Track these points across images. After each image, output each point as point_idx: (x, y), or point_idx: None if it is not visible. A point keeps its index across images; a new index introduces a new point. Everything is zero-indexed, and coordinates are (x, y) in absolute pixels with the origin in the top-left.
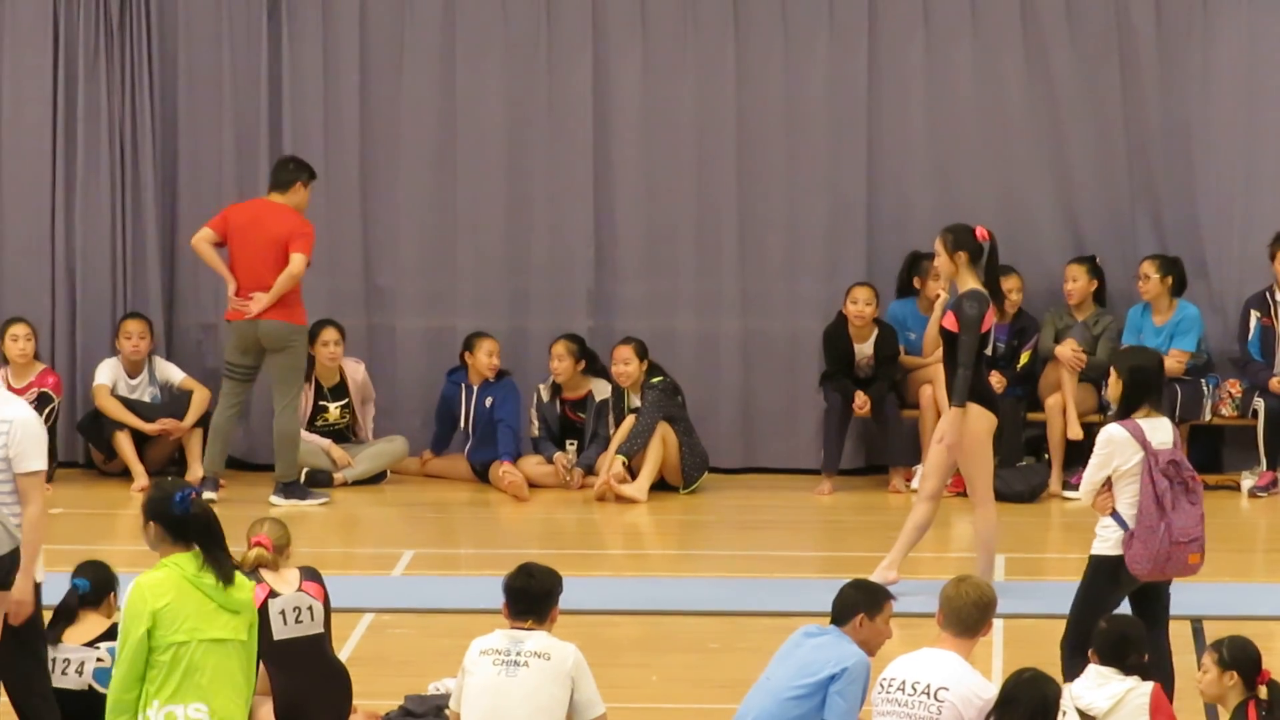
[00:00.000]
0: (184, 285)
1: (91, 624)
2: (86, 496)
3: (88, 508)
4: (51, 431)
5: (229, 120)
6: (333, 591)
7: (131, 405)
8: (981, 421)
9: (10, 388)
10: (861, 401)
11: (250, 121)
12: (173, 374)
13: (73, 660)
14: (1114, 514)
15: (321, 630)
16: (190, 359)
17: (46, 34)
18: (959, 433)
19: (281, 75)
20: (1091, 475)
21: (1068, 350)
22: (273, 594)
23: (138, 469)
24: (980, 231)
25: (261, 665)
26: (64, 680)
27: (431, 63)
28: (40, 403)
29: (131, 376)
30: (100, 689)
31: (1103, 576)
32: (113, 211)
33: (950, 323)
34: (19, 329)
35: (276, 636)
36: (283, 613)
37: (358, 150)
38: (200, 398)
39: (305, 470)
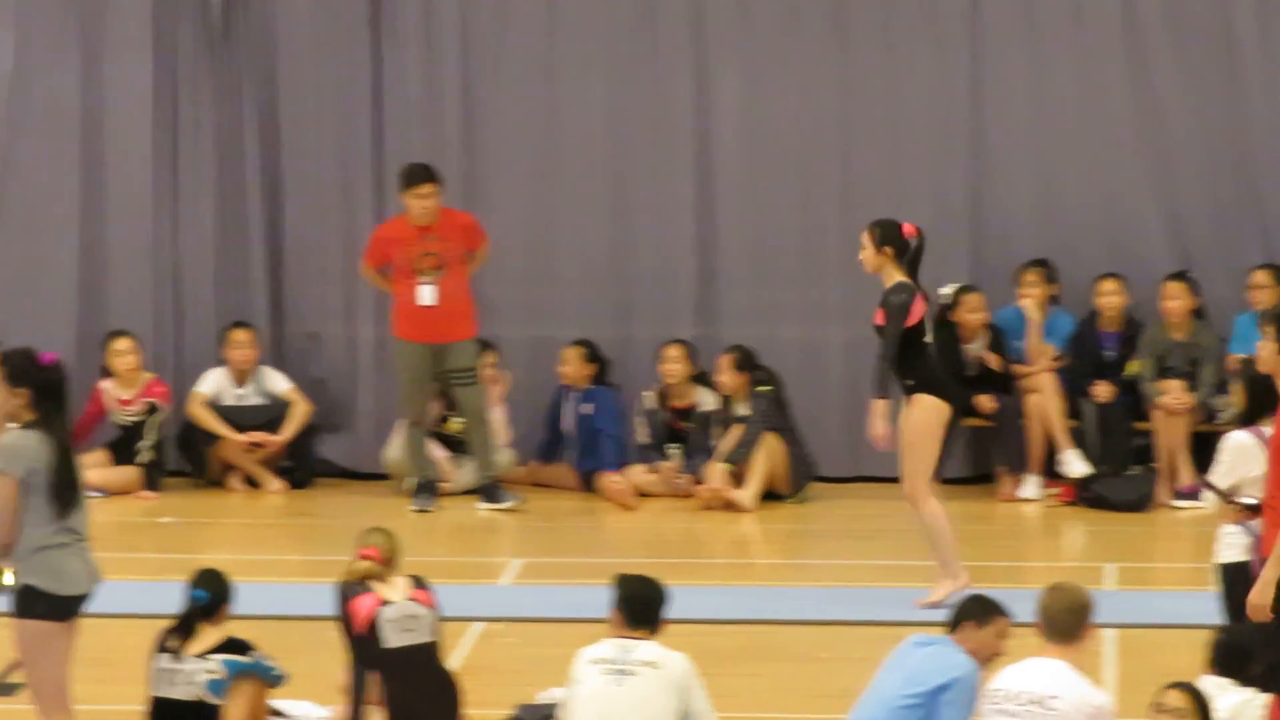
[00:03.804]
0: (290, 295)
1: (206, 636)
2: (194, 506)
3: (196, 517)
4: (161, 443)
5: (330, 129)
6: (442, 601)
7: (236, 414)
8: (931, 412)
9: (119, 400)
10: (988, 405)
11: (352, 131)
12: (278, 384)
13: (185, 671)
14: (1239, 521)
15: (432, 639)
16: (296, 369)
17: (147, 44)
18: (896, 423)
19: (382, 85)
20: (1220, 483)
21: (1170, 400)
22: (383, 603)
23: (263, 474)
24: (908, 228)
25: (372, 674)
26: (173, 690)
27: (533, 72)
28: (149, 413)
29: (239, 386)
30: (212, 700)
31: (1240, 583)
32: (216, 222)
33: (879, 317)
34: (123, 343)
35: (387, 646)
36: (393, 622)
37: (459, 160)
38: (301, 410)
39: (416, 480)
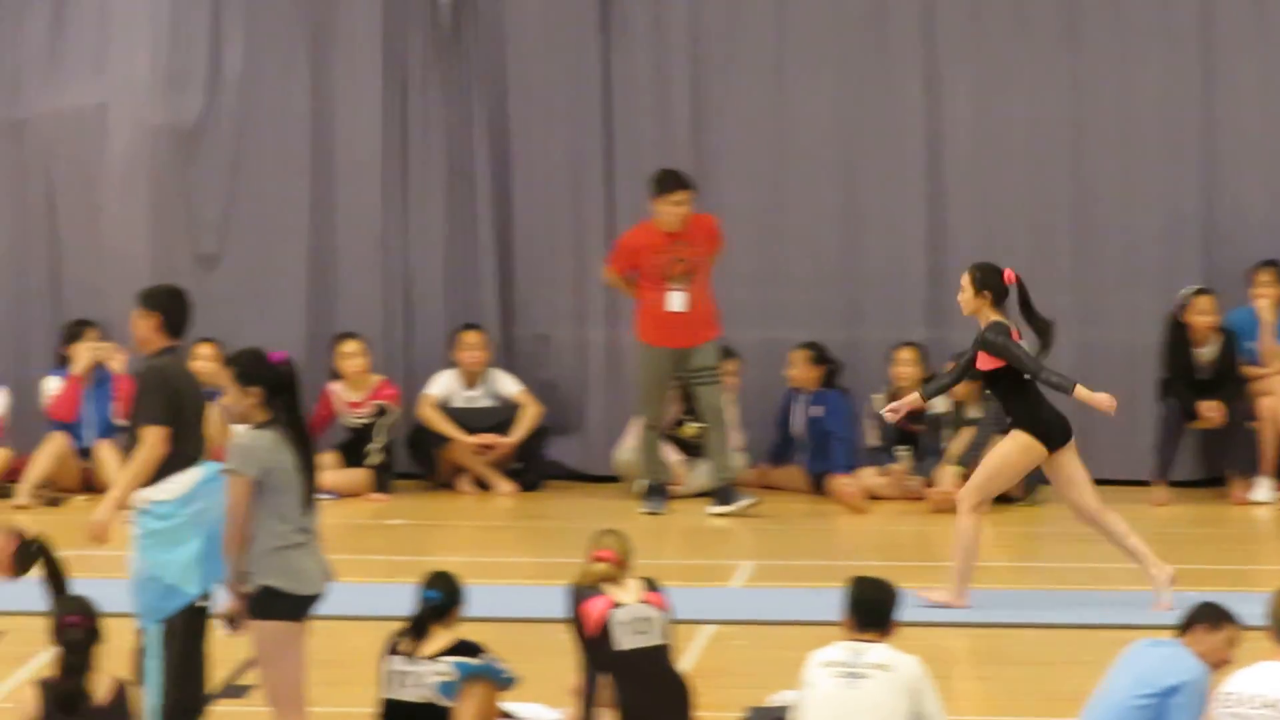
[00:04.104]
0: (520, 297)
1: (437, 638)
2: (424, 508)
3: (426, 519)
4: (391, 445)
5: (560, 131)
6: (673, 603)
7: (466, 416)
8: (1021, 449)
9: (349, 403)
10: (1211, 410)
11: (581, 132)
12: (507, 387)
13: (416, 673)
14: None
15: (664, 642)
16: (526, 371)
17: (376, 48)
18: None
19: (612, 86)
20: None
21: None
22: (615, 606)
23: (493, 477)
24: (1008, 274)
25: (604, 677)
26: (404, 693)
27: (762, 72)
28: (378, 415)
29: (469, 388)
30: (443, 702)
31: None
32: (446, 224)
33: (984, 362)
34: (352, 345)
35: (620, 648)
36: (625, 624)
37: (689, 161)
38: (532, 413)
39: (647, 482)
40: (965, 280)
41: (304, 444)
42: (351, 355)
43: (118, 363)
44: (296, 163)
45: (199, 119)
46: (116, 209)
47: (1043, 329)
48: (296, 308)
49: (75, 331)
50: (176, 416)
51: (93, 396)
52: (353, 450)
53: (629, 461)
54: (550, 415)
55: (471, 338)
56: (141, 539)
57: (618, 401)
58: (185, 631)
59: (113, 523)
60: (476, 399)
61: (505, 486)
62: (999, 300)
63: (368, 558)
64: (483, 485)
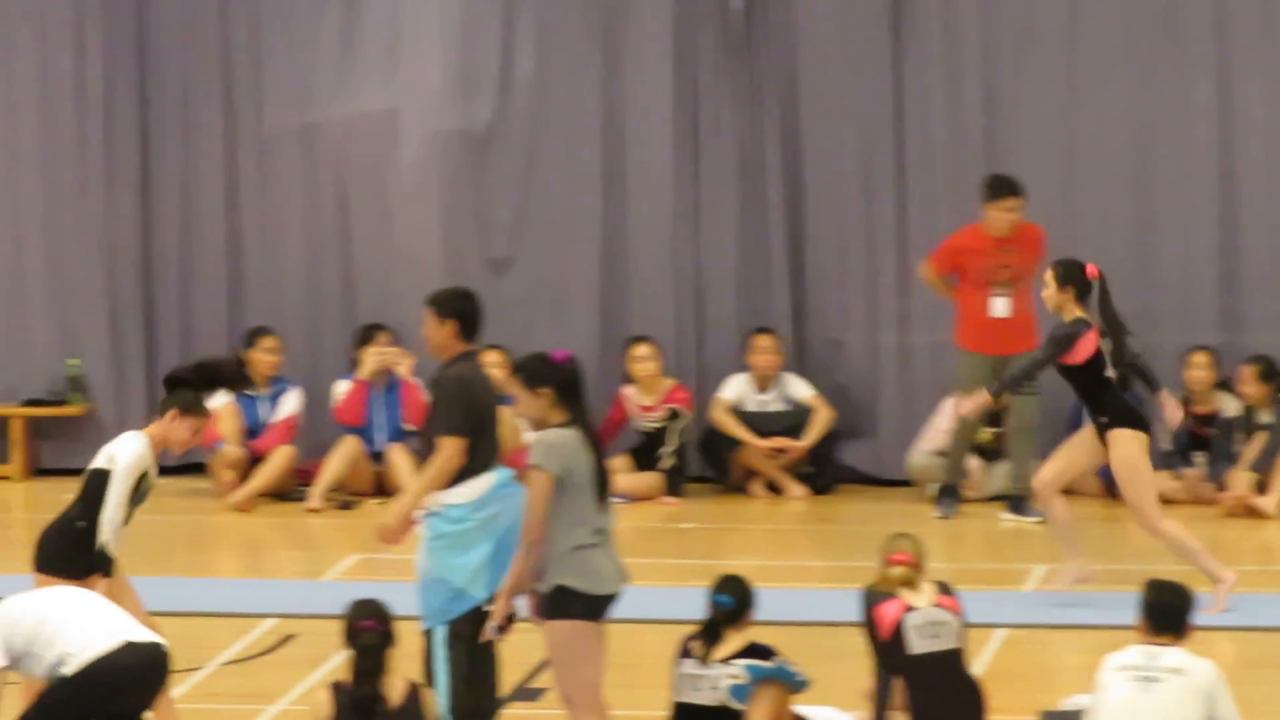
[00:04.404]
0: (811, 301)
1: (730, 641)
2: (716, 511)
3: (718, 523)
4: (683, 448)
5: (851, 135)
6: (966, 607)
7: (758, 420)
8: (1131, 446)
9: (641, 407)
10: None
11: (873, 137)
12: (800, 390)
13: (709, 676)
14: None
15: (957, 645)
16: (818, 375)
17: (667, 52)
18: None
19: (903, 91)
20: None
21: None
22: (909, 609)
23: (785, 480)
24: (1090, 269)
25: (897, 680)
26: (697, 696)
27: (1054, 78)
28: (671, 419)
29: (761, 392)
30: (735, 705)
31: None
32: (737, 228)
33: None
34: (643, 349)
35: (913, 652)
36: (919, 628)
37: (980, 167)
38: (824, 417)
39: (939, 486)
40: (1049, 276)
41: (596, 442)
42: (644, 359)
43: (404, 368)
44: (587, 167)
45: (490, 124)
46: (408, 214)
47: (1115, 329)
48: (588, 311)
49: (367, 335)
50: (474, 425)
51: (383, 401)
52: (645, 454)
53: (922, 465)
54: (842, 419)
55: (764, 341)
56: (431, 541)
57: (910, 405)
58: (471, 635)
59: (404, 527)
60: (769, 403)
61: (797, 490)
62: (1082, 296)
63: (660, 561)
64: (774, 489)
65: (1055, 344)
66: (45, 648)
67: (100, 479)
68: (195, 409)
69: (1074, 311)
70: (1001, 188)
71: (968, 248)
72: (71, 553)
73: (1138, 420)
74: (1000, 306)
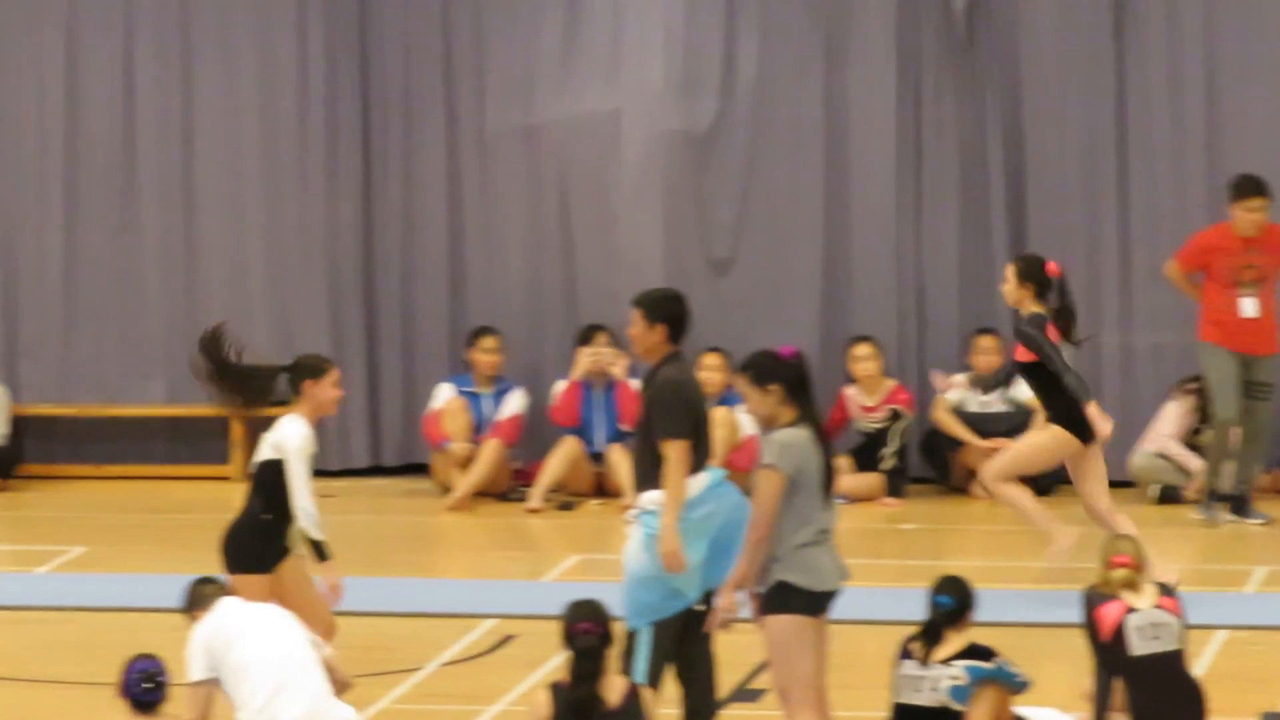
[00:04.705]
0: None
1: (950, 642)
2: (937, 512)
3: (939, 523)
4: (904, 449)
5: (1074, 135)
6: (1187, 608)
7: (980, 420)
8: (1056, 440)
9: (863, 407)
10: None
11: (1095, 138)
12: (1023, 392)
13: (929, 678)
14: None
15: (1178, 647)
16: None
17: (890, 53)
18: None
19: (1126, 92)
20: None
21: None
22: (1130, 611)
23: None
24: (1051, 266)
25: (1117, 682)
26: (916, 697)
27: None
28: (892, 420)
29: (983, 393)
30: (955, 706)
31: None
32: (959, 227)
33: (1021, 353)
34: (864, 349)
35: (1134, 653)
36: (1140, 629)
37: (1203, 168)
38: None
39: (1159, 486)
40: (1009, 271)
41: (824, 441)
42: (864, 359)
43: (619, 369)
44: (809, 166)
45: (712, 124)
46: (629, 214)
47: (1067, 321)
48: (810, 312)
49: (586, 336)
50: (693, 428)
51: (602, 401)
52: (866, 455)
53: (1143, 466)
54: None
55: (986, 342)
56: (647, 540)
57: (1131, 406)
58: (684, 635)
59: (678, 548)
60: (991, 404)
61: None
62: (1042, 293)
63: (880, 562)
64: None
65: (1036, 338)
66: (231, 688)
67: (274, 470)
68: (316, 367)
69: (1031, 307)
70: (1247, 188)
71: (1215, 246)
72: (261, 548)
73: (1077, 427)
74: (1249, 307)
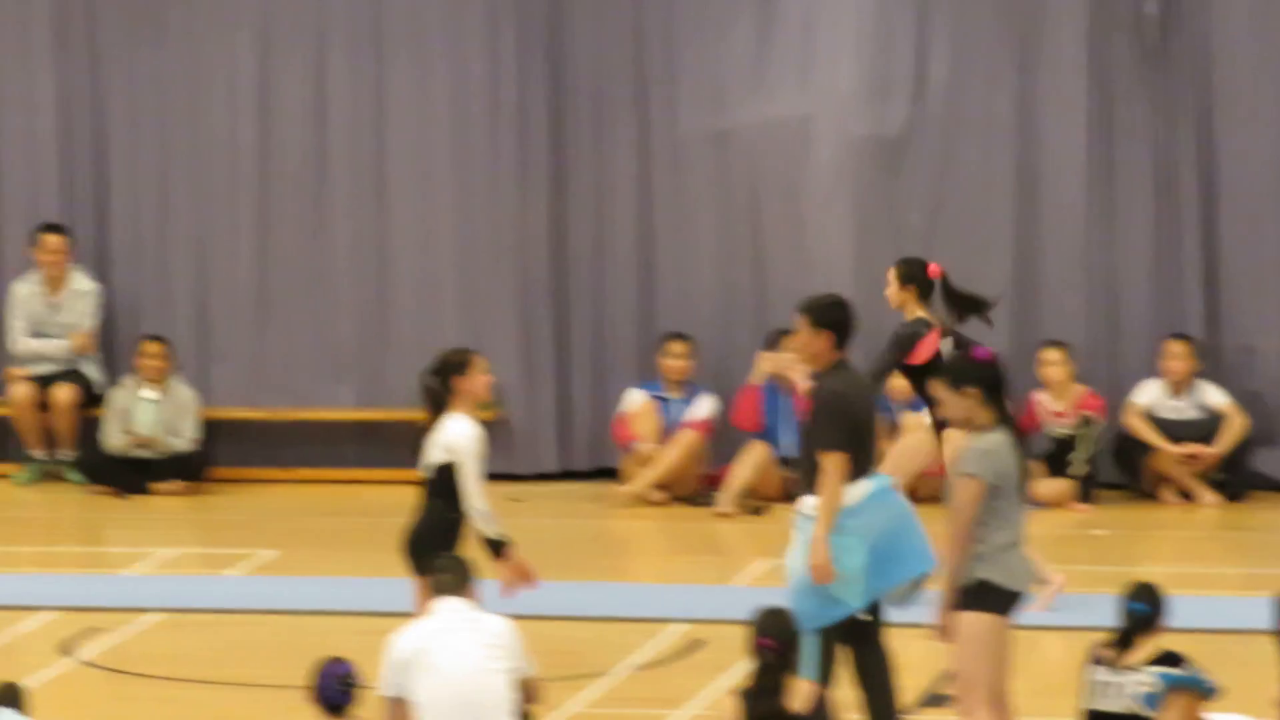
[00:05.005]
0: (1226, 307)
1: (1141, 648)
2: (1127, 518)
3: (1129, 529)
4: (1095, 456)
5: (1268, 142)
6: None
7: (1172, 426)
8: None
9: (1053, 412)
10: None
11: None
12: (1214, 397)
13: (1120, 684)
14: None
15: None
16: (1232, 382)
17: (1081, 59)
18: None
19: None
20: None
21: None
22: None
23: (1197, 487)
24: (933, 268)
25: None
26: (1107, 703)
27: None
28: (1083, 426)
29: (1175, 397)
30: (1145, 713)
31: None
32: (1152, 233)
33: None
34: (1054, 354)
35: None
36: None
37: None
38: (1238, 424)
39: None
40: (891, 275)
41: (1021, 444)
42: (1055, 364)
43: (798, 373)
44: (1001, 172)
45: (903, 129)
46: (820, 219)
47: (970, 307)
48: (1001, 316)
49: (775, 341)
50: (854, 438)
51: (787, 406)
52: (1056, 460)
53: None
54: (1256, 426)
55: (1177, 347)
56: (804, 547)
57: None
58: (857, 644)
59: (826, 560)
60: (1183, 409)
61: (1209, 497)
62: (924, 295)
63: (1071, 568)
64: (1186, 495)
65: (898, 344)
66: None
67: (451, 472)
68: (461, 362)
69: (915, 311)
70: None
71: None
72: (450, 549)
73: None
74: None
